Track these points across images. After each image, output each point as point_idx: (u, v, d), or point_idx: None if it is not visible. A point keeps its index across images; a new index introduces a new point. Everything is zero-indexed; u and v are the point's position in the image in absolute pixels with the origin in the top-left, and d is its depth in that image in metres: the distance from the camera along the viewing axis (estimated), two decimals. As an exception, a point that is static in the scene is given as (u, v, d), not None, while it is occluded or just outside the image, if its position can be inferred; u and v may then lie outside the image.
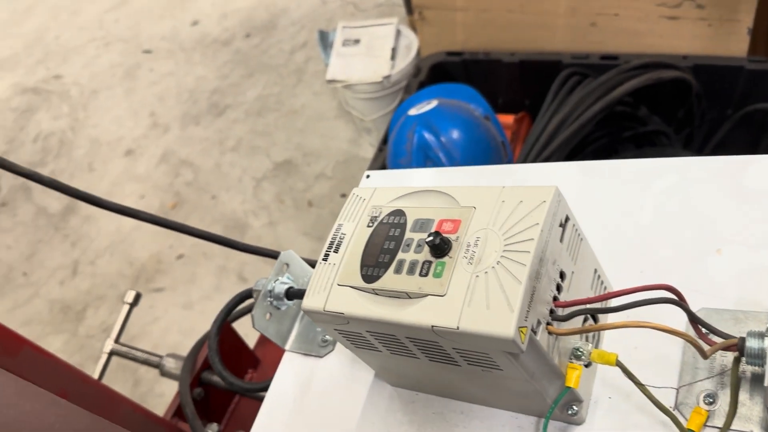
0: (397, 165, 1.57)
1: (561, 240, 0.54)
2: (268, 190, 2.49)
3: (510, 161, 1.62)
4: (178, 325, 2.19)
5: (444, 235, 0.53)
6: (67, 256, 2.54)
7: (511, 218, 0.52)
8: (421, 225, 0.56)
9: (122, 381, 2.07)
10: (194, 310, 2.22)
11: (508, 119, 1.76)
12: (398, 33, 2.21)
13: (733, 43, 1.55)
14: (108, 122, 3.03)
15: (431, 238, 0.53)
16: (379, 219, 0.59)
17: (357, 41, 2.24)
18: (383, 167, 1.65)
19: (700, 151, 1.69)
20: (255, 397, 1.02)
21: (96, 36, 3.52)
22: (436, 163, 1.50)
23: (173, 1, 3.53)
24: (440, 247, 0.53)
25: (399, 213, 0.58)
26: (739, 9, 1.49)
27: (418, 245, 0.55)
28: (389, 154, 1.61)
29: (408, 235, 0.56)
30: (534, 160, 1.49)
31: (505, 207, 0.53)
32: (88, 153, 2.92)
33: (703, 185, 0.69)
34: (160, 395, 2.03)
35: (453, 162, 1.49)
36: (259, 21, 3.21)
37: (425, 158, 1.50)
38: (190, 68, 3.11)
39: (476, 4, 1.79)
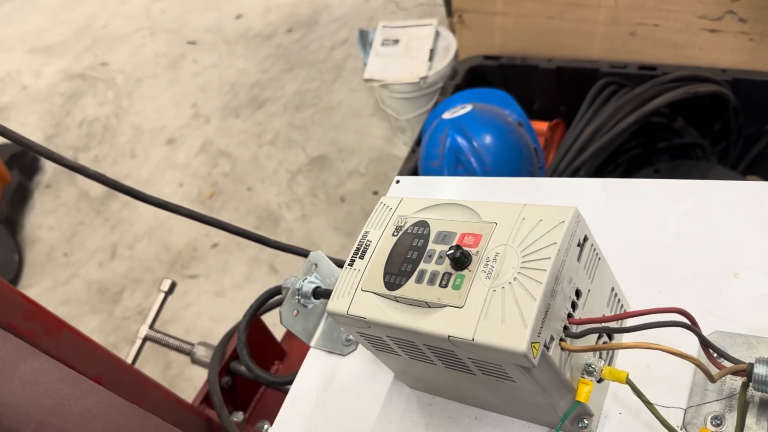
0: (428, 167, 1.59)
1: (578, 259, 0.55)
2: (302, 184, 2.53)
3: (542, 168, 1.62)
4: (210, 312, 2.24)
5: (465, 248, 0.55)
6: (107, 239, 2.62)
7: (530, 236, 0.54)
8: (444, 237, 0.58)
9: (154, 362, 2.13)
10: (226, 297, 2.28)
11: (542, 126, 1.77)
12: (437, 34, 2.23)
13: (774, 59, 1.53)
14: (151, 111, 3.11)
15: (452, 251, 0.55)
16: (404, 229, 0.61)
17: (396, 41, 2.26)
18: (415, 168, 1.67)
19: (735, 166, 1.68)
20: (280, 389, 1.06)
21: (142, 25, 3.61)
22: (468, 167, 1.51)
23: (218, -7, 3.60)
24: (460, 260, 0.55)
25: (423, 224, 0.61)
26: (783, 24, 1.48)
27: (440, 257, 0.57)
28: (421, 156, 1.63)
29: (431, 246, 0.59)
30: (566, 169, 1.50)
31: (525, 224, 0.55)
32: (130, 140, 3.00)
33: (726, 209, 0.69)
34: (189, 379, 2.09)
35: (484, 167, 1.50)
36: (301, 16, 3.25)
37: (457, 162, 1.52)
38: (233, 61, 3.17)
39: (515, 9, 1.80)
